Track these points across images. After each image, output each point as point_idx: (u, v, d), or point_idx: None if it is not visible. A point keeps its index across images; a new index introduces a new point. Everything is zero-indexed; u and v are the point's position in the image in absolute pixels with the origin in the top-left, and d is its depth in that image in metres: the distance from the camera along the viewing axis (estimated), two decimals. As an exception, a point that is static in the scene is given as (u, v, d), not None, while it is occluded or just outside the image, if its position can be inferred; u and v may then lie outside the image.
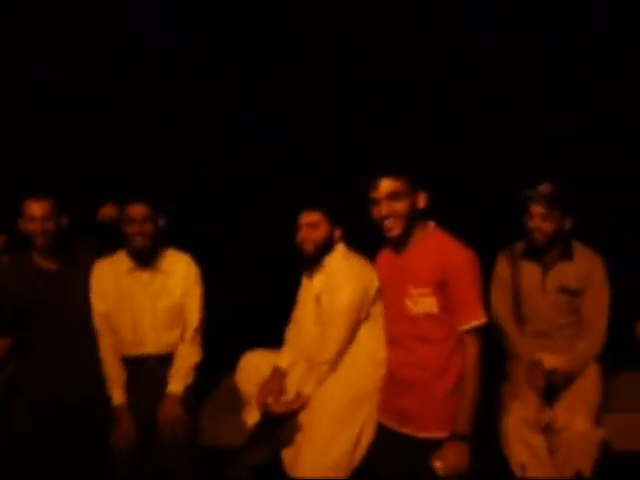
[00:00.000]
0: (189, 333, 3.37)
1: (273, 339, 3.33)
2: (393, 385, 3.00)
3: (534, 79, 3.92)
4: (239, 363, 3.28)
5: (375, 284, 3.11)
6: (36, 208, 3.22)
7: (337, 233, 3.21)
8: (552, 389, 3.08)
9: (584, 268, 3.21)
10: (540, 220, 3.16)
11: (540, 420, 3.01)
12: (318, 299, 3.18)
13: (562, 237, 3.21)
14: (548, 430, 3.02)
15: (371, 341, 3.11)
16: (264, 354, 3.29)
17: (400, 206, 2.88)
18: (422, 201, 2.92)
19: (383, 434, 3.00)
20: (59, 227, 3.29)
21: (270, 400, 3.07)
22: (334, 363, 3.09)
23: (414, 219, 2.91)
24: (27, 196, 3.25)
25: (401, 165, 2.94)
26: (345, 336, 3.09)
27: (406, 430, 2.92)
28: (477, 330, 2.83)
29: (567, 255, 3.23)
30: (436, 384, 2.87)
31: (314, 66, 4.13)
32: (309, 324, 3.22)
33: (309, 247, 3.17)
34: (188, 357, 3.34)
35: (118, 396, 3.29)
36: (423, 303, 2.87)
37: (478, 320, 2.82)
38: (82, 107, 4.18)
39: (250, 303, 3.84)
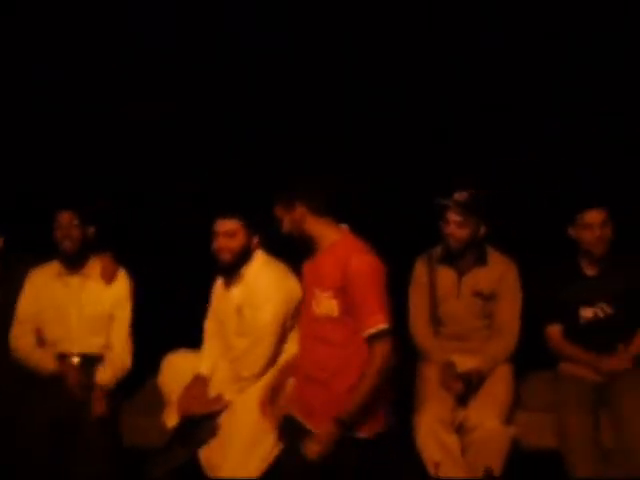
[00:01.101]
0: (120, 344, 3.42)
1: (196, 339, 3.35)
2: (300, 380, 3.04)
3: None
4: (161, 364, 3.31)
5: (298, 292, 3.12)
6: None
7: (255, 240, 3.20)
8: (465, 390, 3.17)
9: (498, 273, 3.33)
10: (455, 227, 3.26)
11: (453, 420, 3.11)
12: (239, 311, 3.17)
13: (477, 243, 3.32)
14: (461, 429, 3.11)
15: (294, 346, 3.14)
16: (186, 355, 3.32)
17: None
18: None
19: (290, 424, 3.03)
20: None
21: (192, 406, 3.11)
22: (261, 375, 3.12)
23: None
24: None
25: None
26: (272, 351, 3.12)
27: (310, 425, 2.95)
28: (381, 335, 2.84)
29: (481, 260, 3.34)
30: (335, 383, 2.89)
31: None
32: (232, 336, 3.22)
33: (226, 257, 3.15)
34: (121, 363, 3.39)
35: (50, 361, 3.35)
36: (325, 305, 2.91)
37: (379, 326, 2.83)
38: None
39: (171, 305, 3.84)
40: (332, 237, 2.97)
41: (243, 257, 3.17)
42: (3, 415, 3.24)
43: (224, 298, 3.26)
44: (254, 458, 3.00)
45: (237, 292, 3.20)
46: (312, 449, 2.82)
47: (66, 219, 3.38)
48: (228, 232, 3.14)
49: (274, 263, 3.23)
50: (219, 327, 3.29)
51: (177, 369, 3.25)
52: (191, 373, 3.22)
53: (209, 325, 3.35)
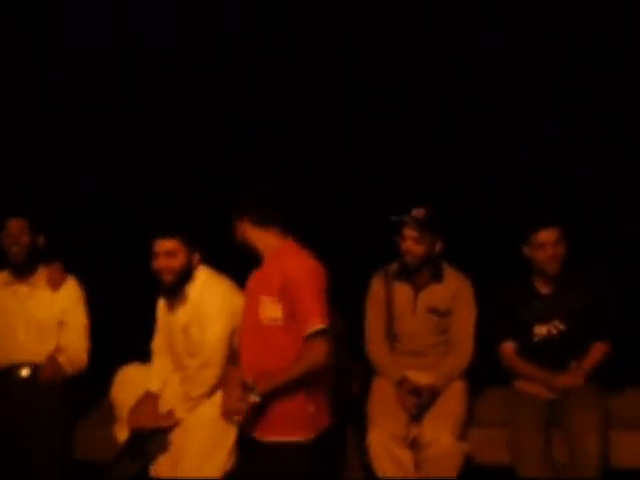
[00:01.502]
0: (73, 344, 3.42)
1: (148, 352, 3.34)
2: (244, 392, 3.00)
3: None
4: (115, 377, 3.28)
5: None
6: None
7: (196, 257, 3.16)
8: (417, 405, 3.19)
9: (453, 289, 3.35)
10: (412, 243, 3.28)
11: (407, 435, 3.12)
12: (186, 331, 3.14)
13: (433, 259, 3.34)
14: (414, 445, 3.12)
15: None
16: (139, 367, 3.29)
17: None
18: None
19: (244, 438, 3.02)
20: None
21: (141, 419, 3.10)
22: (211, 394, 3.10)
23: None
24: None
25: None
26: (221, 370, 3.10)
27: (251, 432, 2.97)
28: (318, 335, 2.86)
29: (437, 277, 3.36)
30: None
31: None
32: (182, 354, 3.19)
33: (168, 277, 3.10)
34: (77, 356, 3.42)
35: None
36: (270, 310, 2.92)
37: (316, 326, 2.85)
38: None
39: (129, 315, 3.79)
40: (274, 246, 3.00)
41: (185, 276, 3.13)
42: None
43: (169, 319, 3.22)
44: (208, 468, 2.98)
45: (182, 313, 3.16)
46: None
47: (17, 227, 3.38)
48: (168, 252, 3.09)
49: (217, 279, 3.20)
50: (168, 345, 3.26)
51: (130, 382, 3.22)
52: (144, 387, 3.19)
53: (157, 342, 3.31)
